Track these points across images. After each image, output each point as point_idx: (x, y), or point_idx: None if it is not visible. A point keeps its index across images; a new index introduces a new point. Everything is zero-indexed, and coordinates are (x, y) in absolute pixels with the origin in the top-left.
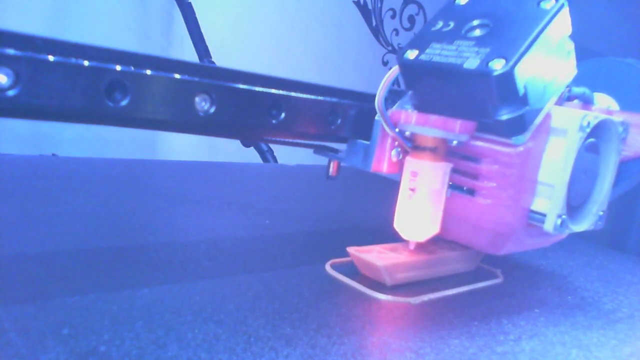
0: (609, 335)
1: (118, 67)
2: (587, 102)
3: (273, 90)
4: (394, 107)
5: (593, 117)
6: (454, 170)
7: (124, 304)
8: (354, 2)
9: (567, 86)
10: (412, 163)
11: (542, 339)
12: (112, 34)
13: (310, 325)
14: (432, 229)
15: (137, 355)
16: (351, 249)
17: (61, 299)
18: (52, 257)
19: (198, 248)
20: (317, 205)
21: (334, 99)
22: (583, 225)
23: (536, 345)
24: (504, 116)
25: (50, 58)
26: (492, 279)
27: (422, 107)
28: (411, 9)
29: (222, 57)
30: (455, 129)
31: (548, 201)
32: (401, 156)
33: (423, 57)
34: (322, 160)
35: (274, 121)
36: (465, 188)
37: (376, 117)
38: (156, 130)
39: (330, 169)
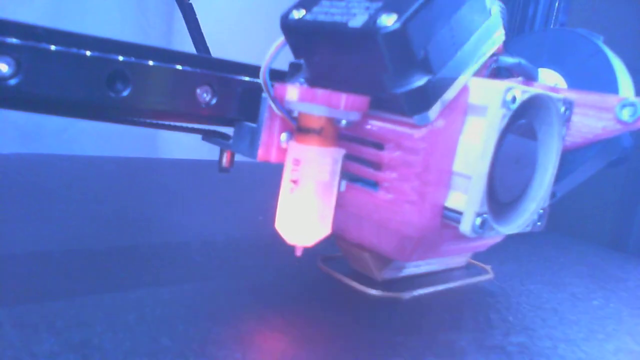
0: (596, 330)
1: (120, 58)
2: (528, 78)
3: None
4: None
5: (521, 90)
6: (354, 159)
7: (117, 298)
8: None
9: (494, 55)
10: (294, 149)
11: (530, 333)
12: (112, 34)
13: (299, 319)
14: (320, 229)
15: (130, 347)
16: (339, 238)
17: (55, 294)
18: (47, 254)
19: (191, 245)
20: None
21: None
22: (515, 226)
23: (524, 340)
24: (401, 88)
25: (52, 47)
26: (482, 275)
27: (315, 80)
28: None
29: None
30: (340, 105)
31: (465, 196)
32: (289, 142)
33: (308, 17)
34: None
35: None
36: (364, 180)
37: (263, 94)
38: (157, 122)
39: (224, 160)
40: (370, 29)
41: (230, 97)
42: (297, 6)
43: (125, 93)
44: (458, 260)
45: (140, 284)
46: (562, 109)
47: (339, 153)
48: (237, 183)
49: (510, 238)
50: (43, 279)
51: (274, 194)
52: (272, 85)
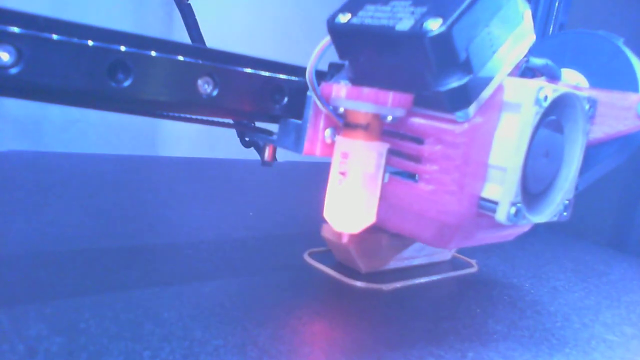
0: (573, 320)
1: (122, 48)
2: (552, 77)
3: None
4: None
5: (552, 89)
6: (395, 153)
7: (105, 287)
8: None
9: (525, 56)
10: (342, 143)
11: (507, 323)
12: None
13: (282, 308)
14: (366, 218)
15: (115, 331)
16: (325, 227)
17: (45, 283)
18: (41, 249)
19: (180, 238)
20: (305, 199)
21: None
22: (544, 215)
23: (501, 328)
24: (444, 86)
25: (53, 37)
26: (467, 269)
27: (358, 79)
28: None
29: None
30: (388, 102)
31: (500, 187)
32: (337, 137)
33: (354, 20)
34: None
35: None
36: (406, 172)
37: (308, 92)
38: (158, 114)
39: (266, 154)
40: (417, 33)
41: (232, 88)
42: (342, 10)
43: (126, 83)
44: (443, 254)
45: (128, 274)
46: (587, 106)
47: (383, 147)
48: (229, 181)
49: None
50: (33, 271)
51: (265, 193)
52: (319, 84)
